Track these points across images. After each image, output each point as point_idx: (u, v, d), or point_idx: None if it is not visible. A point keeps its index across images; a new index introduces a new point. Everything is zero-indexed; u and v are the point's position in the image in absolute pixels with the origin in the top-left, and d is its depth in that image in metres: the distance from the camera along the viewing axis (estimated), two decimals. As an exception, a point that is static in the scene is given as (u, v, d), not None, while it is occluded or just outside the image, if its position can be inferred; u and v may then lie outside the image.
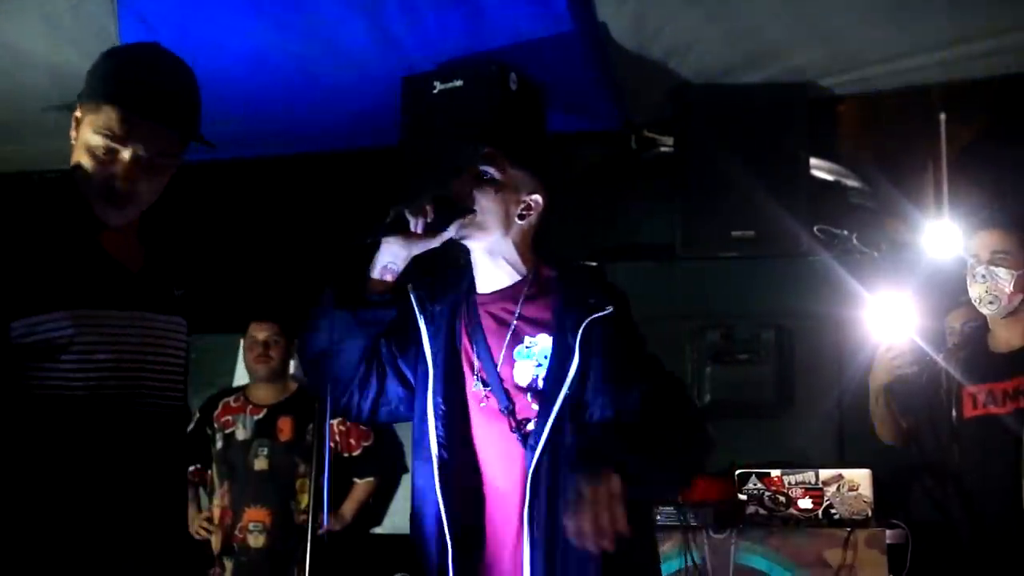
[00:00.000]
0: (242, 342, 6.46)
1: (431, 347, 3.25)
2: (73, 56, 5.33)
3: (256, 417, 6.12)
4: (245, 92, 5.61)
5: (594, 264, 3.31)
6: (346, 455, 6.20)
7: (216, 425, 6.15)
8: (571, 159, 6.11)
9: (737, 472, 4.92)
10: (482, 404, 3.19)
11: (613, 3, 5.10)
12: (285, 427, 6.07)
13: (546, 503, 3.04)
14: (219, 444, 6.12)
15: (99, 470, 3.01)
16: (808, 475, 4.86)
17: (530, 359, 3.18)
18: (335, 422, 6.08)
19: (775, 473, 4.88)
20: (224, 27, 5.25)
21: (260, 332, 6.18)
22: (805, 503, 4.82)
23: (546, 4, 5.13)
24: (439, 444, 3.17)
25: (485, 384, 3.19)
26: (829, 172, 5.73)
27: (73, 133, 3.06)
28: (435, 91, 5.37)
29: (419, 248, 3.17)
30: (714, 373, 5.29)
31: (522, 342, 3.19)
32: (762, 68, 5.41)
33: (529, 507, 3.04)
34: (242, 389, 6.31)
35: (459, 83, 5.34)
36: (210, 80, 5.44)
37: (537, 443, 3.06)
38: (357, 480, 6.28)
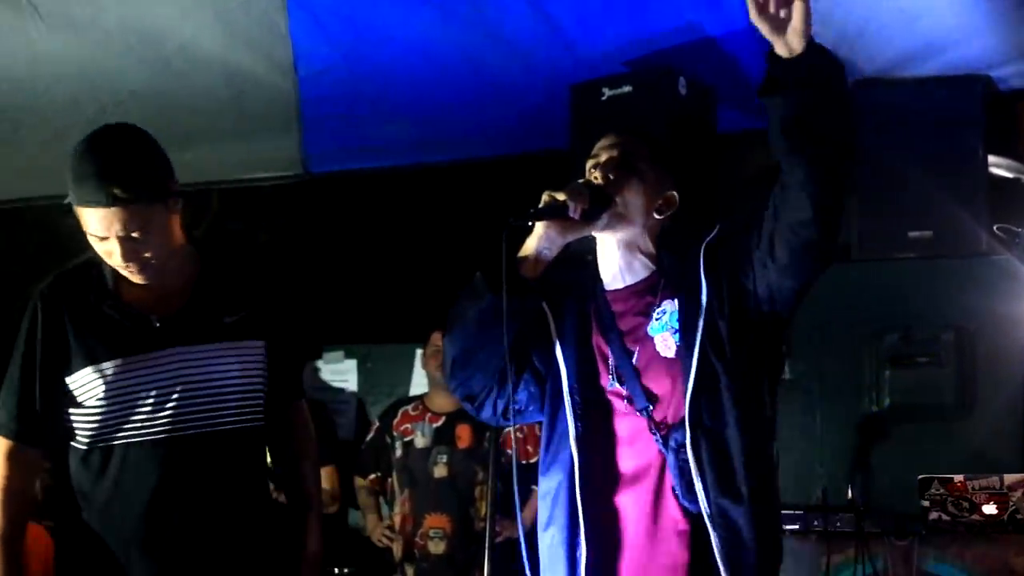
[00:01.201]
0: (418, 351, 6.54)
1: (563, 344, 3.24)
2: (245, 55, 5.43)
3: (435, 425, 6.20)
4: (413, 86, 5.67)
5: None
6: (523, 462, 6.22)
7: (395, 433, 6.24)
8: (742, 159, 6.05)
9: (919, 477, 4.83)
10: (619, 401, 3.18)
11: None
12: (464, 434, 6.14)
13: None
14: (399, 452, 6.20)
15: (153, 495, 3.35)
16: (992, 480, 4.74)
17: (664, 330, 3.15)
18: (513, 428, 6.11)
19: (958, 478, 4.77)
20: (391, 18, 5.29)
21: (442, 341, 6.24)
22: (990, 509, 4.70)
23: (722, 10, 5.10)
24: (577, 441, 3.17)
25: (620, 381, 3.17)
26: (1008, 169, 5.58)
27: None
28: (604, 97, 5.38)
29: (572, 236, 3.15)
30: (893, 377, 5.17)
31: (651, 318, 3.17)
32: (937, 57, 5.29)
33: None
34: (420, 398, 6.39)
35: (628, 89, 5.34)
36: (378, 73, 5.58)
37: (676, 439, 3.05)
38: (535, 487, 6.29)
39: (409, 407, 6.35)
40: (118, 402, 3.33)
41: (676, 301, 3.14)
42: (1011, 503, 4.71)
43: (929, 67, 5.33)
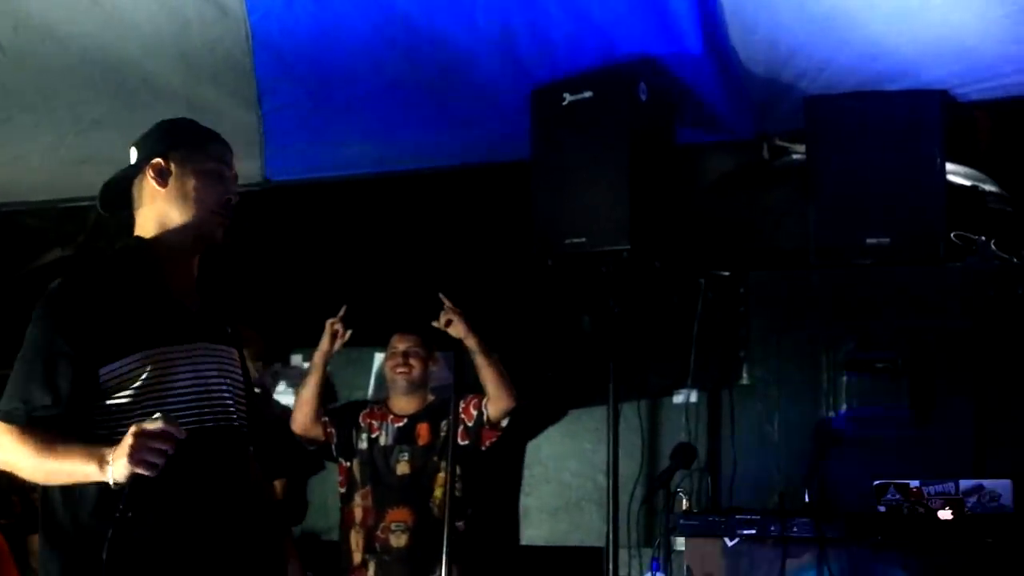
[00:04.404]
0: (378, 355, 6.55)
1: None
2: (210, 90, 5.51)
3: (397, 425, 6.22)
4: (378, 118, 5.74)
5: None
6: (484, 448, 6.22)
7: (362, 424, 6.23)
8: (702, 169, 6.09)
9: (875, 483, 4.85)
10: None
11: (743, 31, 5.09)
12: (423, 432, 6.19)
13: None
14: (363, 444, 6.20)
15: (204, 482, 3.37)
16: (948, 485, 4.77)
17: None
18: (464, 417, 6.11)
19: (914, 484, 4.79)
20: (357, 61, 5.35)
21: (401, 343, 6.27)
22: (945, 514, 4.73)
23: (679, 37, 5.14)
24: None
25: None
26: (966, 177, 5.63)
27: (159, 188, 3.53)
28: (564, 103, 5.39)
29: None
30: (850, 383, 5.23)
31: None
32: (894, 83, 5.35)
33: None
34: (383, 401, 6.38)
35: (588, 94, 5.36)
36: (343, 108, 5.62)
37: None
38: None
39: (375, 407, 6.35)
40: (166, 391, 3.33)
41: None
42: (966, 508, 4.73)
43: (888, 88, 5.38)
